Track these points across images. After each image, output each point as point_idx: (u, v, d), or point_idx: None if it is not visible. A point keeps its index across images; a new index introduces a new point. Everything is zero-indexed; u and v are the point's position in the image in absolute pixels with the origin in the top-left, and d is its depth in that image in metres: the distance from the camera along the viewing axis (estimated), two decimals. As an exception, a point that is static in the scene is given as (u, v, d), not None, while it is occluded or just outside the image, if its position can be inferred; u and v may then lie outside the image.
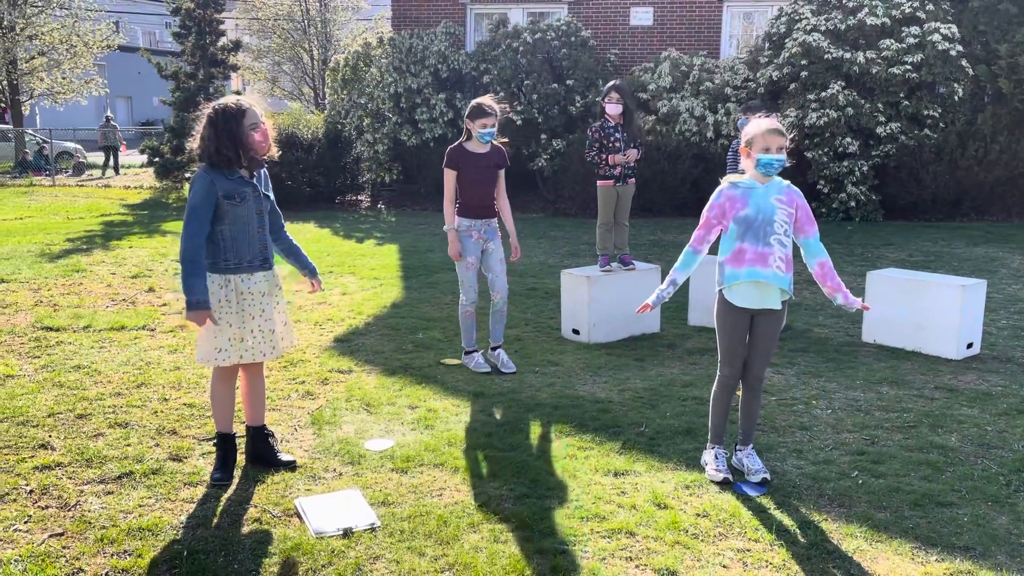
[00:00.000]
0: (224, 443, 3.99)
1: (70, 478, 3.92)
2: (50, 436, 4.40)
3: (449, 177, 5.51)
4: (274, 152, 3.89)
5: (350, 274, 8.99)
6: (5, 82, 23.42)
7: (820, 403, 5.01)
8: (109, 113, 25.83)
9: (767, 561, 3.25)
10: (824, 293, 3.94)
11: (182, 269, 3.68)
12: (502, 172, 5.59)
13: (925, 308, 5.98)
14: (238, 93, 4.23)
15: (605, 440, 4.42)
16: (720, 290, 3.91)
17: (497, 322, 5.70)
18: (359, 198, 16.32)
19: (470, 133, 5.45)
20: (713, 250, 4.02)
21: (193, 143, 3.78)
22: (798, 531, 3.47)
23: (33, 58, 23.54)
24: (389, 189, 16.09)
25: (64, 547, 3.31)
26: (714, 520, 3.56)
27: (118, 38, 26.05)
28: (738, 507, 3.67)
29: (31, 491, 3.79)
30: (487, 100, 5.44)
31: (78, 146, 25.01)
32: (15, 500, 3.70)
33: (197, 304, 3.66)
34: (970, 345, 5.97)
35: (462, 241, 5.53)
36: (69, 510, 3.62)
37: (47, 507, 3.64)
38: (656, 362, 5.89)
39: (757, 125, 3.78)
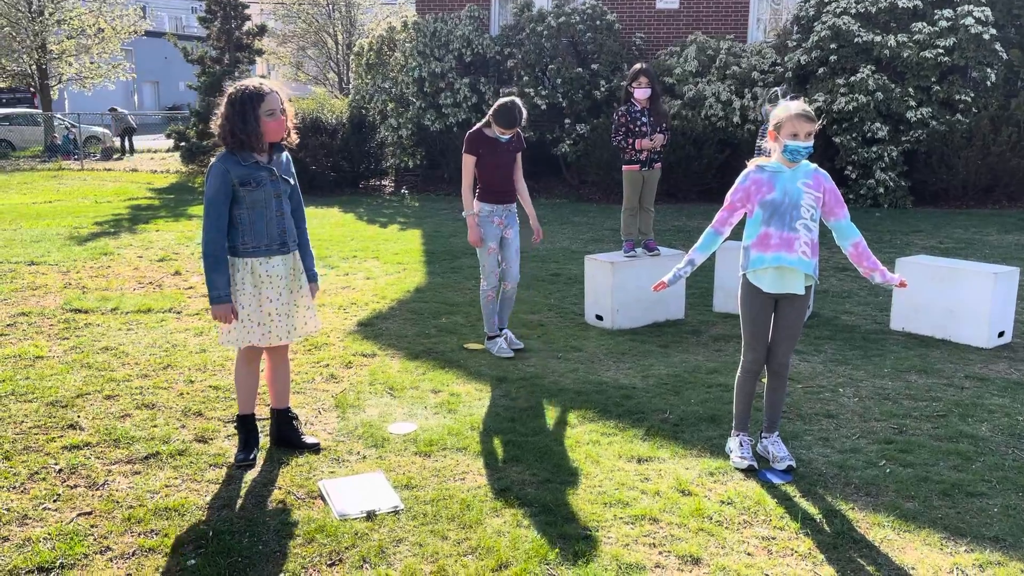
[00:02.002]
0: (244, 425, 4.02)
1: (98, 458, 3.97)
2: (79, 416, 4.46)
3: (468, 162, 5.47)
4: (293, 139, 3.88)
5: (373, 258, 9.01)
6: (34, 67, 23.69)
7: (847, 391, 4.95)
8: (113, 107, 26.27)
9: (792, 549, 3.22)
10: (860, 273, 3.88)
11: (204, 264, 3.75)
12: (519, 156, 5.57)
13: (956, 296, 5.88)
14: (264, 77, 4.21)
15: (628, 426, 4.40)
16: (744, 274, 3.87)
17: (505, 308, 5.75)
18: (383, 183, 16.36)
19: (490, 123, 5.40)
20: (737, 235, 3.97)
21: (214, 124, 3.79)
22: (824, 520, 3.44)
23: (62, 42, 23.78)
24: (412, 174, 16.10)
25: (92, 526, 3.35)
26: (739, 507, 3.53)
27: (145, 23, 26.25)
28: (763, 495, 3.64)
29: (60, 470, 3.84)
30: (518, 112, 5.29)
31: (106, 131, 25.29)
32: (44, 479, 3.75)
33: (218, 299, 3.72)
34: (1001, 334, 5.87)
35: (483, 227, 5.51)
36: (97, 489, 3.66)
37: (75, 486, 3.69)
38: (680, 348, 5.85)
39: (786, 109, 3.72)
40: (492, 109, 5.37)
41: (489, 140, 5.44)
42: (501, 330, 5.77)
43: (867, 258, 3.82)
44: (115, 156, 23.63)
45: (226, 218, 3.73)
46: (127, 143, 24.65)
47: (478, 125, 5.51)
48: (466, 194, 5.52)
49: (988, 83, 12.22)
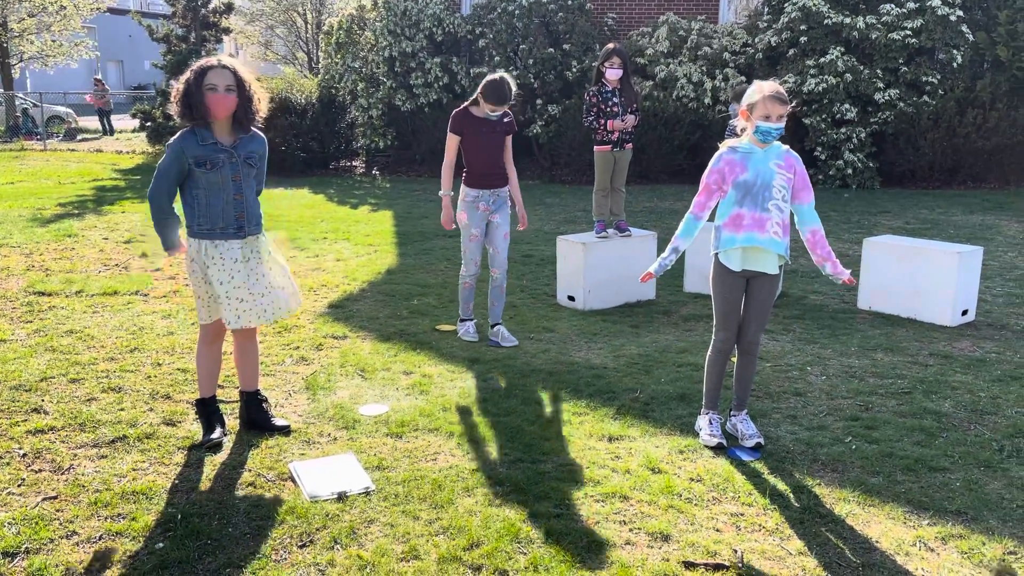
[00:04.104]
0: (204, 408, 3.99)
1: (63, 442, 3.91)
2: (43, 400, 4.39)
3: (451, 142, 5.26)
4: (260, 113, 3.81)
5: (344, 240, 8.94)
6: (-6, 44, 23.10)
7: (815, 369, 5.01)
8: (99, 76, 25.60)
9: (760, 525, 3.26)
10: (813, 261, 3.92)
11: (154, 224, 3.77)
12: (509, 139, 5.35)
13: (921, 275, 5.97)
14: (231, 56, 4.16)
15: (600, 406, 4.42)
16: (715, 254, 3.89)
17: (496, 299, 5.51)
18: (353, 164, 16.21)
19: (479, 102, 5.19)
20: (711, 216, 3.98)
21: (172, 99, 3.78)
22: (791, 495, 3.49)
23: (22, 20, 23.19)
24: (383, 155, 15.97)
25: (58, 510, 3.31)
26: (708, 485, 3.57)
27: (108, 0, 25.67)
28: (732, 472, 3.68)
29: (24, 455, 3.78)
30: (508, 88, 5.09)
31: (69, 110, 24.75)
32: (8, 464, 3.69)
33: (168, 246, 3.78)
34: (965, 312, 5.97)
35: (467, 211, 5.31)
36: (63, 474, 3.61)
37: (40, 471, 3.63)
38: (651, 328, 5.89)
39: (760, 89, 3.72)
40: (481, 85, 5.15)
41: (476, 120, 5.22)
42: (494, 326, 5.53)
43: (822, 247, 3.86)
44: (79, 138, 23.13)
45: (173, 190, 3.71)
46: (106, 123, 24.09)
47: (465, 104, 5.28)
48: (445, 173, 5.30)
49: (954, 65, 12.36)
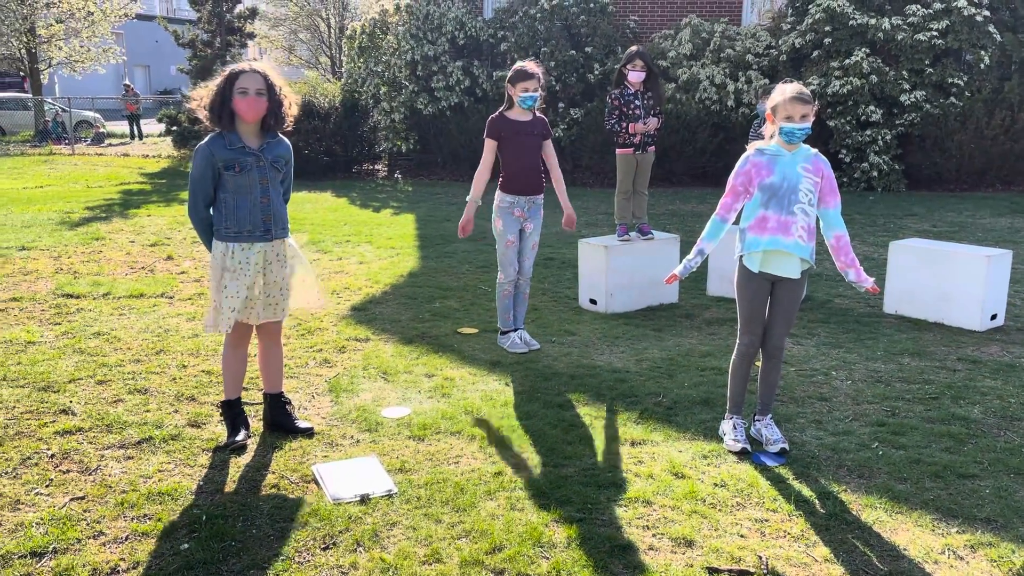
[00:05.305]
0: (229, 410, 4.02)
1: (91, 443, 3.96)
2: (71, 402, 4.44)
3: (488, 147, 5.16)
4: (290, 116, 3.84)
5: (367, 243, 8.98)
6: (24, 51, 23.47)
7: (840, 374, 4.96)
8: (127, 81, 25.94)
9: (785, 531, 3.23)
10: (836, 267, 3.88)
11: (202, 239, 3.89)
12: (548, 143, 5.27)
13: (949, 279, 5.89)
14: (255, 60, 4.23)
15: (622, 410, 4.40)
16: (740, 257, 3.86)
17: (519, 304, 5.48)
18: (376, 167, 16.29)
19: (511, 100, 5.13)
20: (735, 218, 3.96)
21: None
22: (817, 502, 3.45)
23: (51, 26, 23.55)
24: (406, 158, 16.03)
25: (85, 510, 3.34)
26: (732, 490, 3.54)
27: (135, 6, 26.01)
28: (756, 477, 3.65)
29: (52, 455, 3.83)
30: (529, 63, 5.09)
31: (97, 115, 25.08)
32: (37, 464, 3.74)
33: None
34: (994, 316, 5.88)
35: (502, 217, 5.23)
36: (90, 474, 3.65)
37: (68, 471, 3.68)
38: (674, 332, 5.85)
39: (782, 91, 3.70)
40: (508, 77, 5.11)
41: (512, 124, 5.14)
42: (516, 330, 5.46)
43: (846, 253, 3.81)
44: (107, 142, 23.43)
45: (209, 197, 3.77)
46: (135, 128, 24.40)
47: (499, 110, 5.22)
48: (478, 179, 5.18)
49: (981, 66, 12.20)
